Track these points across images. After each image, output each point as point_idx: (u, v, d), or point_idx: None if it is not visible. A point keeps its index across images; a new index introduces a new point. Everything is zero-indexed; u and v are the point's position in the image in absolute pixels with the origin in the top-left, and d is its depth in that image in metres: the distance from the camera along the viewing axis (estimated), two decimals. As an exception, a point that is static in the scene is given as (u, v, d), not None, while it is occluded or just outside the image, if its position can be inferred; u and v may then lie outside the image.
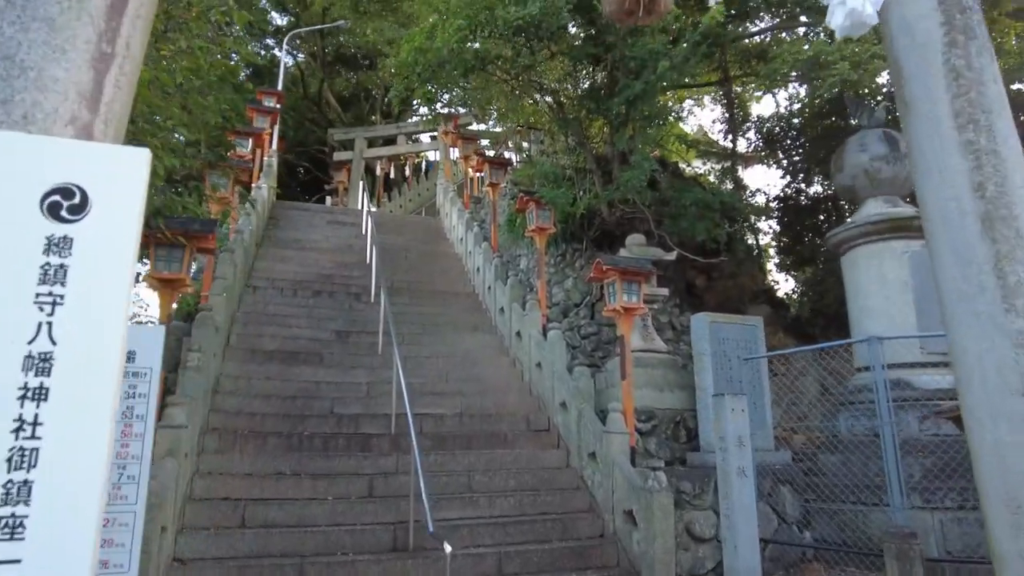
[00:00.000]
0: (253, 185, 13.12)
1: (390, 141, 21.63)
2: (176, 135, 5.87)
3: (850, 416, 7.86)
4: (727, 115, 12.37)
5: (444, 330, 10.22)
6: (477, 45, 8.59)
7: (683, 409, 8.05)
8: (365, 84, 23.54)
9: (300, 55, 24.55)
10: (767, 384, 7.93)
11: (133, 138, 5.42)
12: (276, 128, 16.52)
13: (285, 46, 17.76)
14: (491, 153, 15.34)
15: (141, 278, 5.25)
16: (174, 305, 5.75)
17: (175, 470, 5.19)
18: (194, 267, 5.80)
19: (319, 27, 19.81)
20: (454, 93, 10.78)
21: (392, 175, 24.12)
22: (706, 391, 7.58)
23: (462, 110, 18.48)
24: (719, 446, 5.59)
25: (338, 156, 21.44)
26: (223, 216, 8.46)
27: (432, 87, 9.63)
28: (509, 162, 12.10)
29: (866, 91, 9.99)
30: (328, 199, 22.72)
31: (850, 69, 8.46)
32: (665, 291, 8.71)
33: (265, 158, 14.96)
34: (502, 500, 6.62)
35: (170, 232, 5.54)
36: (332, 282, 11.29)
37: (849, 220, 9.45)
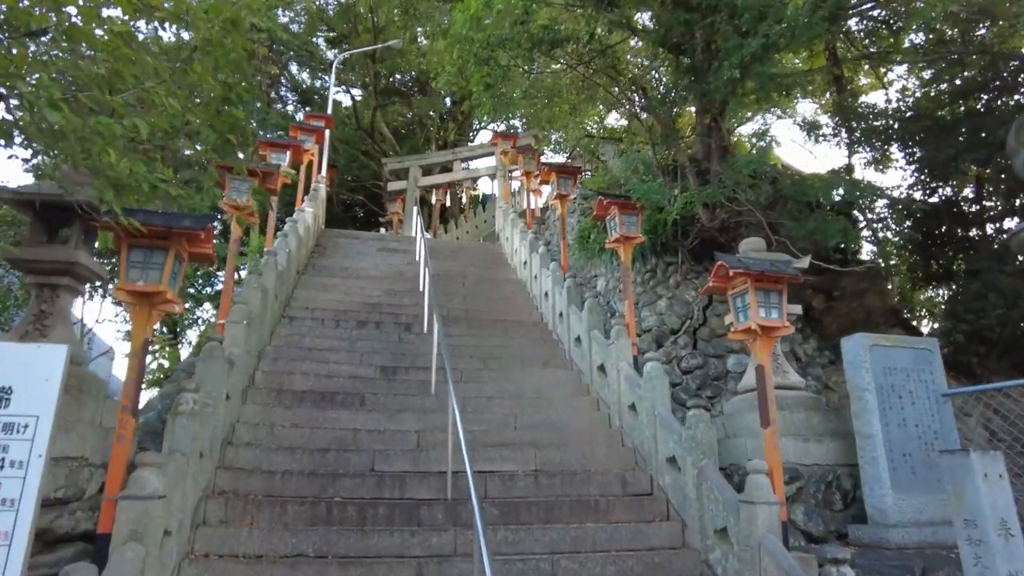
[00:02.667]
0: (296, 208, 11.95)
1: (446, 169, 20.44)
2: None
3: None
4: (837, 103, 10.42)
5: (509, 365, 8.51)
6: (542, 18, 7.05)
7: (835, 464, 6.01)
8: (419, 112, 22.62)
9: (353, 89, 24.01)
10: (954, 429, 5.82)
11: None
12: (325, 154, 15.54)
13: (335, 66, 16.93)
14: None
15: (111, 291, 3.74)
16: (155, 328, 4.26)
17: (138, 563, 3.58)
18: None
19: (371, 48, 18.99)
20: (516, 79, 9.20)
21: (448, 205, 22.94)
22: (872, 439, 5.56)
23: (518, 125, 17.18)
24: (964, 535, 3.60)
25: (392, 186, 20.37)
26: (239, 225, 7.05)
27: (490, 69, 8.12)
28: (579, 169, 10.50)
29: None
30: (383, 231, 21.65)
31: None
32: (798, 308, 6.77)
33: (313, 182, 13.89)
34: (601, 598, 4.74)
35: (147, 229, 4.08)
36: (380, 311, 9.80)
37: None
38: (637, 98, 8.58)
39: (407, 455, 6.13)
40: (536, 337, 9.69)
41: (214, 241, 4.60)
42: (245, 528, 4.94)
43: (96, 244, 5.32)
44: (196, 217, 4.33)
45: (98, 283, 5.28)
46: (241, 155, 5.06)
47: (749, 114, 8.05)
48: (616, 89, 8.72)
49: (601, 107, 10.29)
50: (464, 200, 23.55)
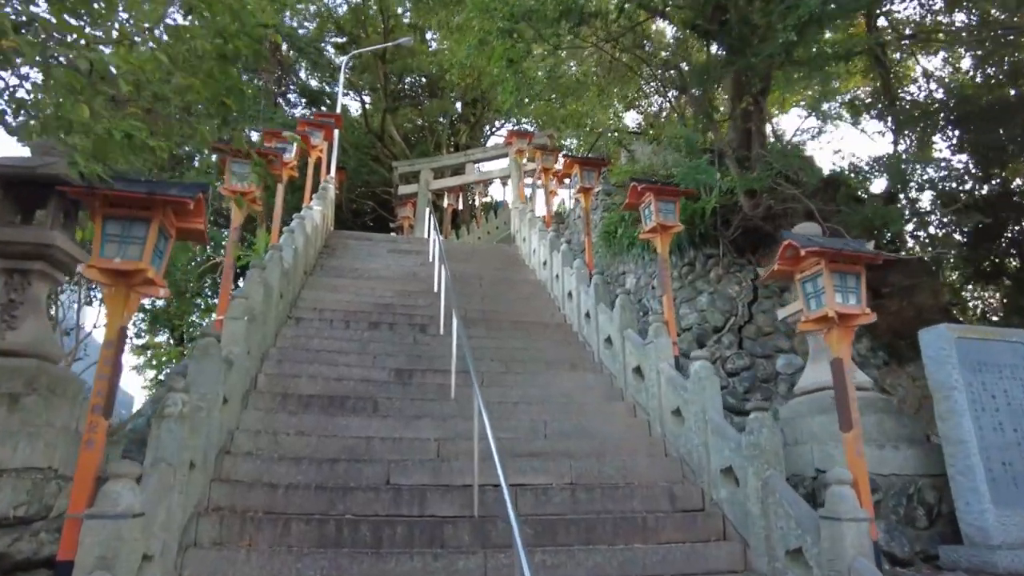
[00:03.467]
0: (304, 205, 11.35)
1: (458, 172, 19.85)
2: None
3: None
4: (881, 86, 9.72)
5: (533, 368, 7.82)
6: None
7: (916, 475, 5.25)
8: (430, 116, 22.10)
9: (363, 94, 23.51)
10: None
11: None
12: (335, 154, 14.98)
13: (344, 66, 16.40)
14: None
15: (80, 269, 3.10)
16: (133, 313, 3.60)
17: (105, 598, 2.90)
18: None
19: (381, 46, 18.48)
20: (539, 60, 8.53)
21: (460, 210, 22.36)
22: (964, 446, 4.83)
23: (531, 129, 16.60)
24: None
25: (403, 190, 19.80)
26: (238, 206, 6.38)
27: (514, 43, 7.45)
28: (604, 161, 9.84)
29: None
30: (393, 236, 21.08)
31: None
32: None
33: (321, 181, 13.32)
34: (659, 634, 4.01)
35: (128, 196, 3.44)
36: (393, 312, 9.13)
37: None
38: (673, 74, 7.91)
39: (426, 466, 5.43)
40: (560, 339, 8.99)
41: (206, 216, 3.95)
42: (243, 550, 4.26)
43: (76, 226, 4.69)
44: (185, 185, 3.69)
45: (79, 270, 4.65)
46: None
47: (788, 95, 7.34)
48: (647, 68, 8.07)
49: (629, 94, 9.60)
50: (476, 205, 22.97)
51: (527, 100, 8.37)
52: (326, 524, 4.56)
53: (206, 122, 4.17)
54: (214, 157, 6.75)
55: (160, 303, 18.17)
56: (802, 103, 10.35)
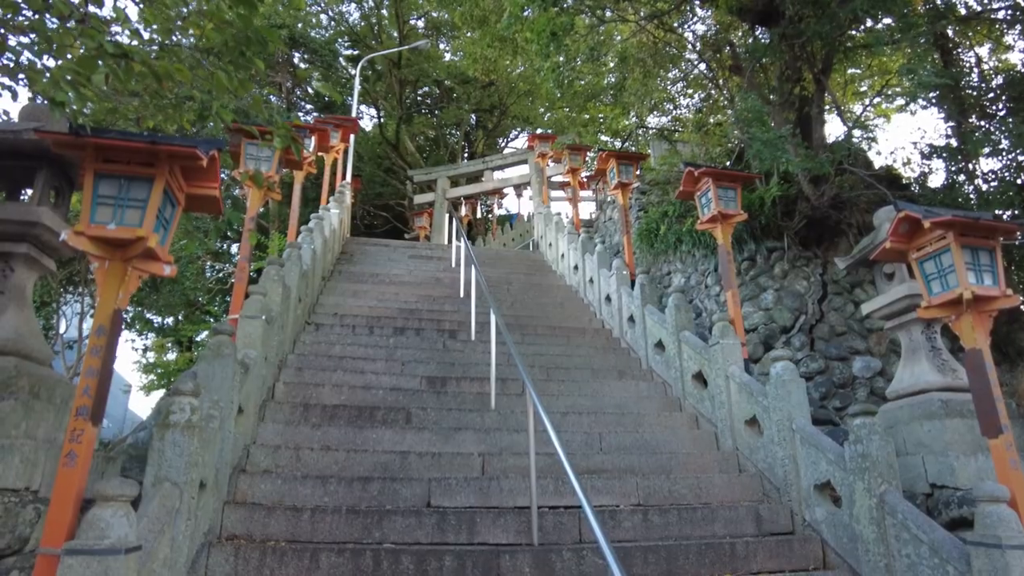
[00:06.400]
0: (321, 206, 10.74)
1: (474, 180, 19.27)
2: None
3: None
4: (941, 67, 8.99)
5: (577, 376, 7.10)
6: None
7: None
8: (445, 124, 21.60)
9: (377, 105, 23.05)
10: None
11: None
12: (350, 160, 14.43)
13: (359, 68, 15.86)
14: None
15: (63, 238, 2.41)
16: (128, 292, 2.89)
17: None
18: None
19: (396, 50, 17.99)
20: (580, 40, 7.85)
21: (475, 220, 21.77)
22: None
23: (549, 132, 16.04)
24: None
25: (419, 199, 19.21)
26: (255, 185, 5.70)
27: (559, 13, 6.78)
28: (642, 156, 9.16)
29: None
30: (409, 245, 20.49)
31: None
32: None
33: (338, 185, 12.74)
34: None
35: (126, 146, 2.77)
36: (418, 318, 8.44)
37: None
38: (727, 52, 7.24)
39: (472, 485, 4.68)
40: (601, 345, 8.26)
41: (221, 184, 3.27)
42: (262, 590, 3.52)
43: (68, 205, 4.04)
44: (195, 139, 3.01)
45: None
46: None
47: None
48: (696, 47, 7.41)
49: (672, 80, 8.93)
50: (492, 217, 22.39)
51: (568, 82, 7.79)
52: (361, 556, 3.81)
53: (228, 77, 3.48)
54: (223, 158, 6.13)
55: (168, 320, 17.59)
56: (862, 89, 9.67)
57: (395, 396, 6.04)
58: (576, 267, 10.65)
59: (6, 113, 4.21)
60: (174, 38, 3.47)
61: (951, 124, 9.45)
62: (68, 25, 2.80)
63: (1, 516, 2.83)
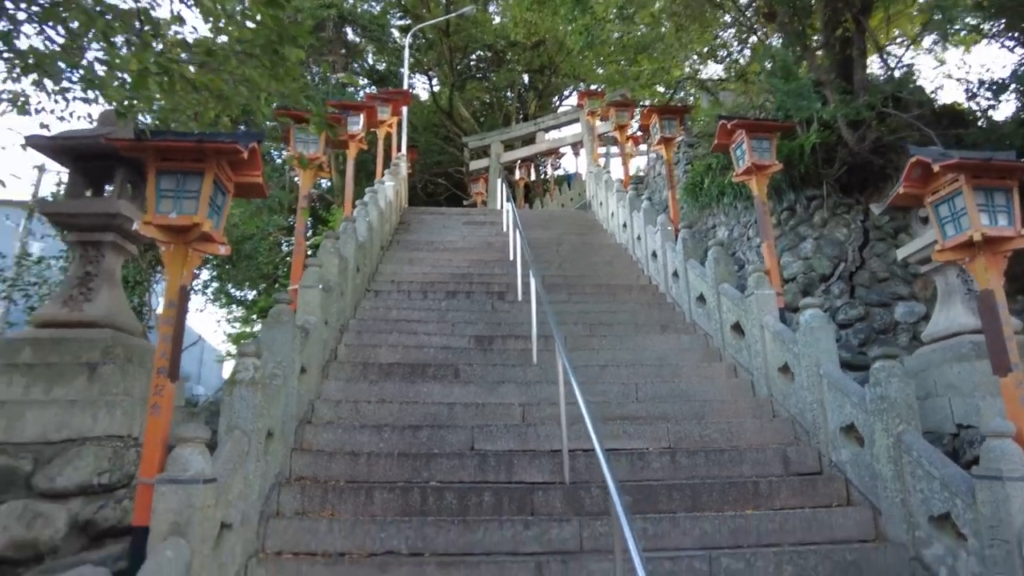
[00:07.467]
0: (376, 180, 11.27)
1: (528, 142, 19.40)
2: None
3: None
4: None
5: (620, 331, 7.36)
6: None
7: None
8: (497, 87, 21.70)
9: (429, 73, 23.37)
10: None
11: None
12: (404, 131, 14.88)
13: (409, 39, 16.22)
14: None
15: (136, 228, 2.92)
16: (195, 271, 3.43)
17: (180, 565, 2.73)
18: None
19: (443, 19, 18.18)
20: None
21: (532, 182, 21.93)
22: None
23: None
24: None
25: (474, 165, 19.57)
26: (301, 167, 6.17)
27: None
28: (686, 108, 9.13)
29: None
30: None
31: None
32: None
33: (393, 158, 13.24)
34: (783, 611, 3.52)
35: (179, 147, 3.24)
36: (469, 281, 8.89)
37: None
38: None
39: (511, 431, 5.12)
40: (647, 301, 8.47)
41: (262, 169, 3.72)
42: (325, 520, 4.08)
43: (143, 196, 4.62)
44: (236, 134, 3.46)
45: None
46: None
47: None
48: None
49: (708, 36, 8.77)
50: (548, 176, 22.49)
51: (600, 41, 7.80)
52: (410, 492, 4.33)
53: (263, 74, 3.91)
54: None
55: (251, 294, 18.84)
56: (908, 25, 9.17)
57: (445, 354, 6.52)
58: (625, 225, 10.78)
59: (89, 117, 4.82)
60: (219, 39, 3.92)
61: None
62: (118, 42, 3.26)
63: (112, 457, 3.47)
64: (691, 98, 12.93)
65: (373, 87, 19.49)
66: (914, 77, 6.07)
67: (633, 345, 6.98)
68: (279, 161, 14.25)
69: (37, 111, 3.78)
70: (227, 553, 3.33)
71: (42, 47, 3.41)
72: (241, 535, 3.53)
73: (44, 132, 4.08)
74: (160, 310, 12.72)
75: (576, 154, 20.91)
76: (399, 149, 14.23)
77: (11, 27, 3.33)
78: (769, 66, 6.12)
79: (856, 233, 6.54)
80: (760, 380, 5.88)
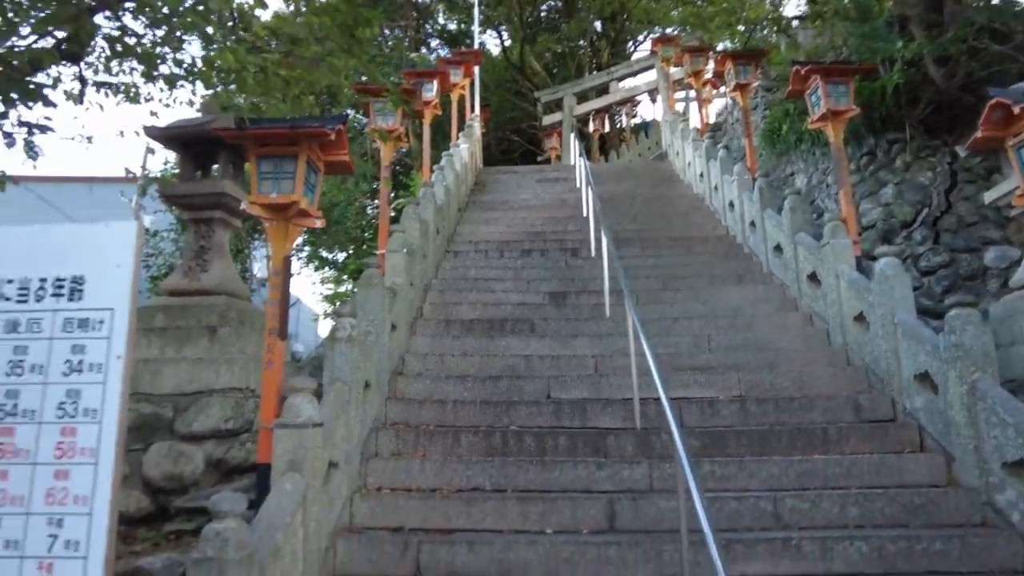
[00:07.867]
0: (452, 143, 11.59)
1: (602, 93, 19.10)
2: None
3: None
4: None
5: (694, 283, 7.44)
6: None
7: None
8: (569, 38, 21.34)
9: (500, 29, 23.24)
10: None
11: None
12: (477, 92, 15.05)
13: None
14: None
15: (243, 207, 3.38)
16: (294, 244, 3.89)
17: (297, 495, 3.24)
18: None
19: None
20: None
21: (607, 134, 21.60)
22: None
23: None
24: None
25: (548, 120, 19.50)
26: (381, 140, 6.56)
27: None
28: (761, 52, 8.84)
29: None
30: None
31: None
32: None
33: (466, 119, 13.50)
34: (846, 548, 3.70)
35: (274, 134, 3.64)
36: (544, 239, 9.15)
37: None
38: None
39: (585, 381, 5.43)
40: (723, 252, 8.46)
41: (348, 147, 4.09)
42: (418, 460, 4.56)
43: (243, 176, 5.13)
44: (323, 118, 3.83)
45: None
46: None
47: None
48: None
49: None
50: (624, 125, 22.06)
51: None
52: (492, 435, 4.74)
53: (342, 58, 4.26)
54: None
55: (341, 256, 19.89)
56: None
57: (521, 310, 6.87)
58: (701, 175, 10.65)
59: (190, 103, 5.35)
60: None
61: None
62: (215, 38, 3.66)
63: (234, 406, 4.05)
64: (772, 37, 12.37)
65: (445, 49, 19.68)
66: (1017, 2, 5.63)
67: (707, 297, 7.06)
68: (361, 130, 14.85)
69: (147, 99, 4.30)
70: (335, 488, 3.85)
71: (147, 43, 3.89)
72: (346, 473, 4.05)
73: (155, 120, 4.63)
74: (259, 274, 13.74)
75: (653, 100, 20.40)
76: (472, 110, 14.46)
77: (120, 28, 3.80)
78: (847, 1, 5.84)
79: (942, 176, 6.25)
80: (835, 329, 5.87)
